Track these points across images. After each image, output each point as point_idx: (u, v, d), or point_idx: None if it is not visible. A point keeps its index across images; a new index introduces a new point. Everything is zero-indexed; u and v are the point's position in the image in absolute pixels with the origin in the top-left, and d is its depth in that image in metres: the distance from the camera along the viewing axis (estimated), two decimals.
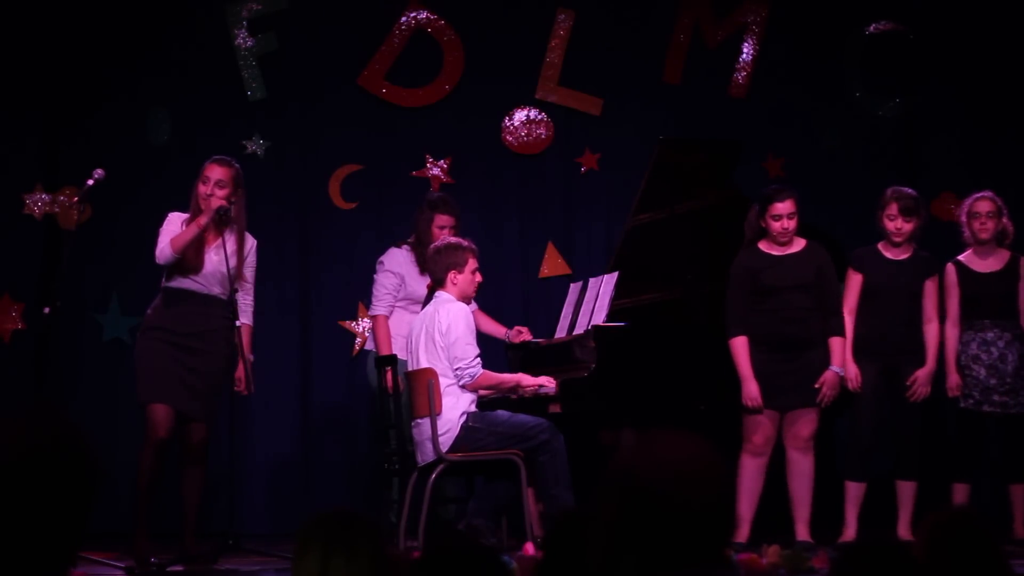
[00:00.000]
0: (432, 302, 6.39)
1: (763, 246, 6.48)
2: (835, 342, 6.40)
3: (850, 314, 6.51)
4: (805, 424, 6.40)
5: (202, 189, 6.20)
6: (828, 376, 6.37)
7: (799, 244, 6.49)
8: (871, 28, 8.33)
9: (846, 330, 6.46)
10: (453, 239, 6.50)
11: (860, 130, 8.31)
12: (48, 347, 7.53)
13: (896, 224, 6.54)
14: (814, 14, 8.28)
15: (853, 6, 8.31)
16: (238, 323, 6.16)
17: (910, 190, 6.63)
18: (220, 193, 6.18)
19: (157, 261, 6.16)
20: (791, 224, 6.40)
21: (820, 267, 6.44)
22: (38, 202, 7.87)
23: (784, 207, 6.40)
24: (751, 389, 6.32)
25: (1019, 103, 8.21)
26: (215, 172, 6.22)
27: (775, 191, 6.50)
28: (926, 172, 8.22)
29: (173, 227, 6.20)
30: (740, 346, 6.37)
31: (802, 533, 6.39)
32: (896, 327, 6.53)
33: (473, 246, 6.41)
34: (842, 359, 6.41)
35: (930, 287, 6.57)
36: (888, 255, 6.59)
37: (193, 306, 6.16)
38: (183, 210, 6.27)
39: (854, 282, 6.56)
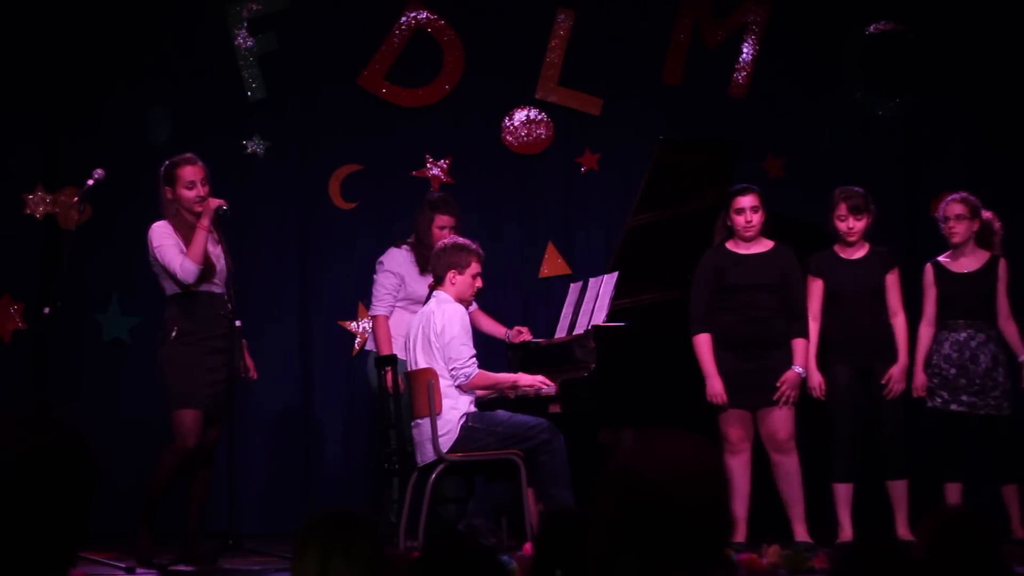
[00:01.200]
0: (430, 301, 6.39)
1: (730, 245, 6.51)
2: (798, 344, 6.40)
3: (814, 320, 6.50)
4: (780, 425, 6.37)
5: (189, 194, 6.16)
6: (789, 375, 6.36)
7: (766, 245, 6.51)
8: (871, 28, 8.32)
9: (810, 335, 6.46)
10: (462, 240, 6.48)
11: (860, 130, 8.30)
12: (48, 347, 7.54)
13: (847, 224, 6.55)
14: (814, 14, 8.27)
15: (853, 6, 8.30)
16: (237, 323, 6.16)
17: (858, 188, 6.63)
18: (205, 191, 6.18)
19: (184, 280, 6.06)
20: (754, 218, 6.43)
21: (784, 269, 6.45)
22: (38, 202, 7.87)
23: (746, 200, 6.44)
24: (714, 385, 6.34)
25: (1019, 103, 8.20)
26: (195, 173, 6.19)
27: (738, 188, 6.55)
28: (926, 172, 8.22)
29: (172, 240, 6.15)
30: (703, 343, 6.39)
31: (800, 533, 6.38)
32: (863, 327, 6.51)
33: (480, 251, 6.39)
34: (804, 360, 6.40)
35: (891, 280, 6.56)
36: (844, 256, 6.59)
37: (212, 308, 6.15)
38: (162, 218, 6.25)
39: (815, 288, 6.54)
